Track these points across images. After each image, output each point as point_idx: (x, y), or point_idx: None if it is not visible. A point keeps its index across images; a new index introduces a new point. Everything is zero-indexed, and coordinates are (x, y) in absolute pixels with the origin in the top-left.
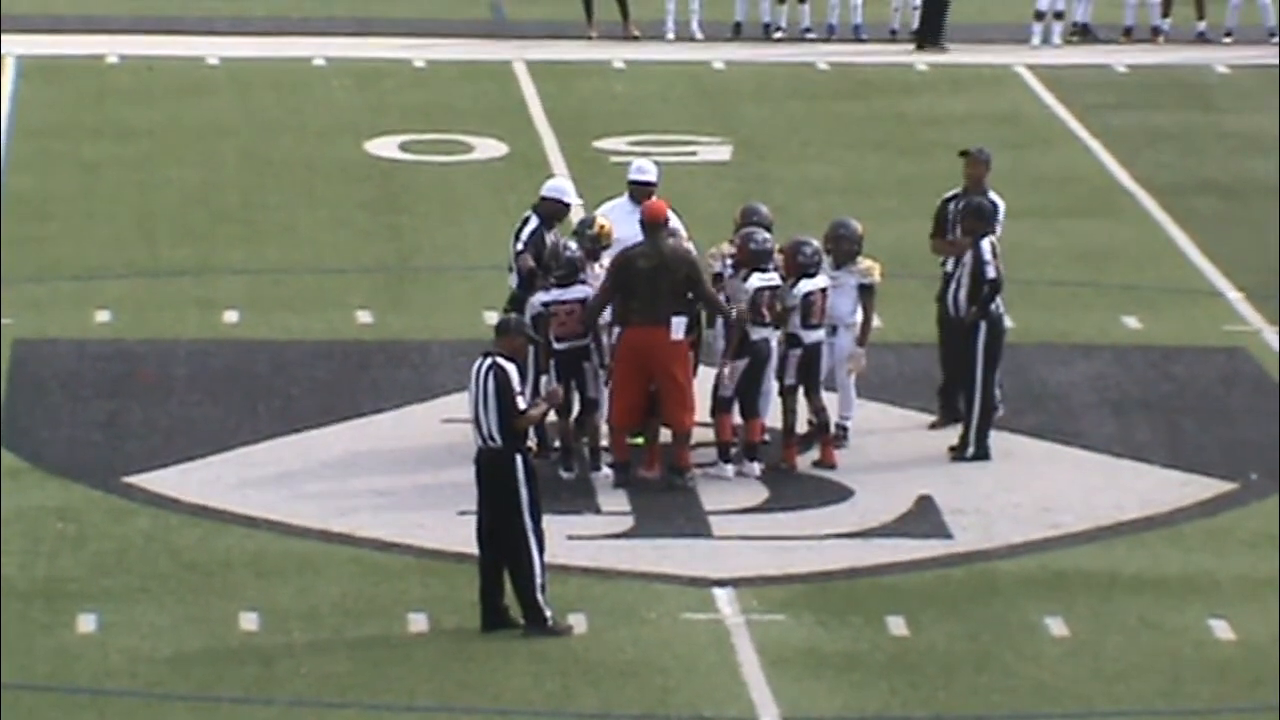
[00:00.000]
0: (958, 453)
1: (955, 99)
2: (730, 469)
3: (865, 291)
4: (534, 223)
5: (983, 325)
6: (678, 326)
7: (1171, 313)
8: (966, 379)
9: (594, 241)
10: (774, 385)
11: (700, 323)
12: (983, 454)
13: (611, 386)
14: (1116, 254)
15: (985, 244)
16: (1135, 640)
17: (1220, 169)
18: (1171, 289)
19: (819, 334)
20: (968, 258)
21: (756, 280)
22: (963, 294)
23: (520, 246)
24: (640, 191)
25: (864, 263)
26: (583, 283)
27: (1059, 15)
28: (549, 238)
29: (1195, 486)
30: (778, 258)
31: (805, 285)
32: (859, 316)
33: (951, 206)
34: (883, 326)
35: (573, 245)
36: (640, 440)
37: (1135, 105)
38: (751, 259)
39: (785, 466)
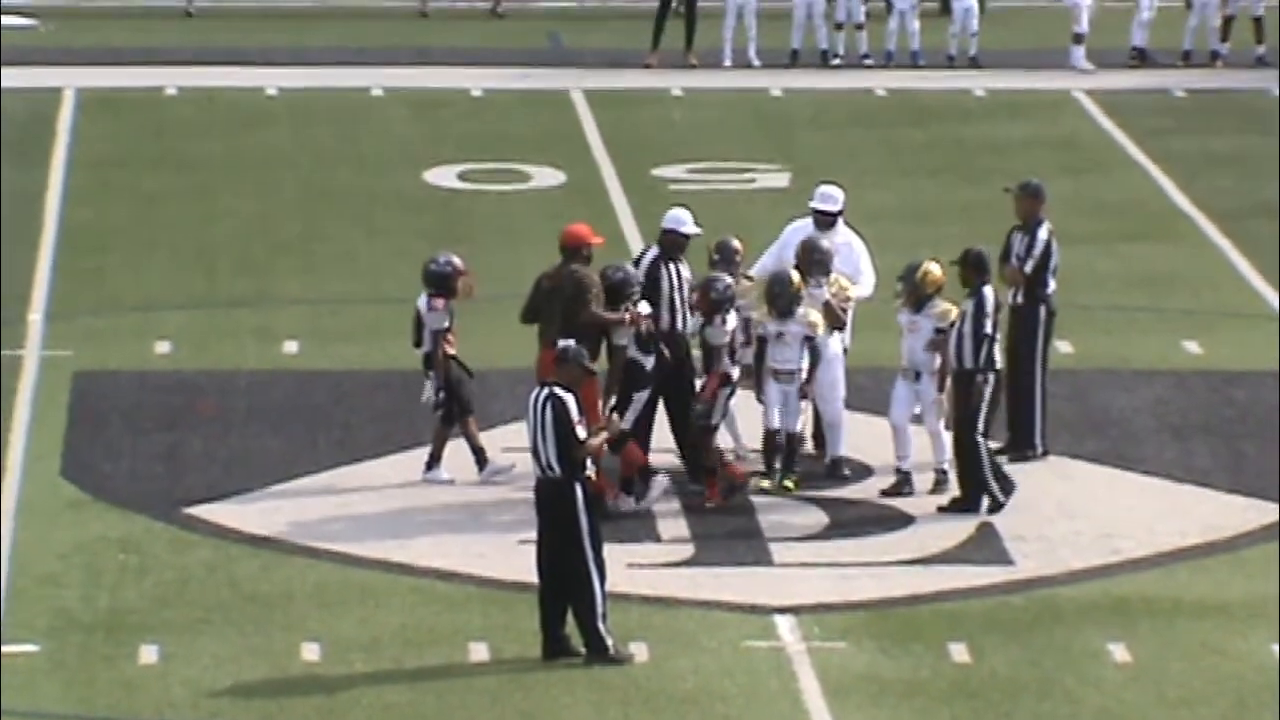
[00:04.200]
0: (993, 507)
1: (1014, 125)
2: (764, 483)
3: (941, 335)
4: (652, 253)
5: (991, 378)
6: None
7: (1231, 337)
8: (968, 429)
9: (738, 267)
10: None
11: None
12: (972, 507)
13: None
14: (1176, 278)
15: (989, 294)
16: (1198, 666)
17: (1278, 192)
18: (1231, 313)
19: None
20: (970, 309)
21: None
22: (966, 345)
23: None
24: (824, 220)
25: (940, 305)
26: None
27: (1078, 39)
28: (682, 270)
29: (1257, 511)
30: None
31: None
32: (939, 361)
33: (1014, 237)
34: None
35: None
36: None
37: (1194, 129)
38: (711, 308)
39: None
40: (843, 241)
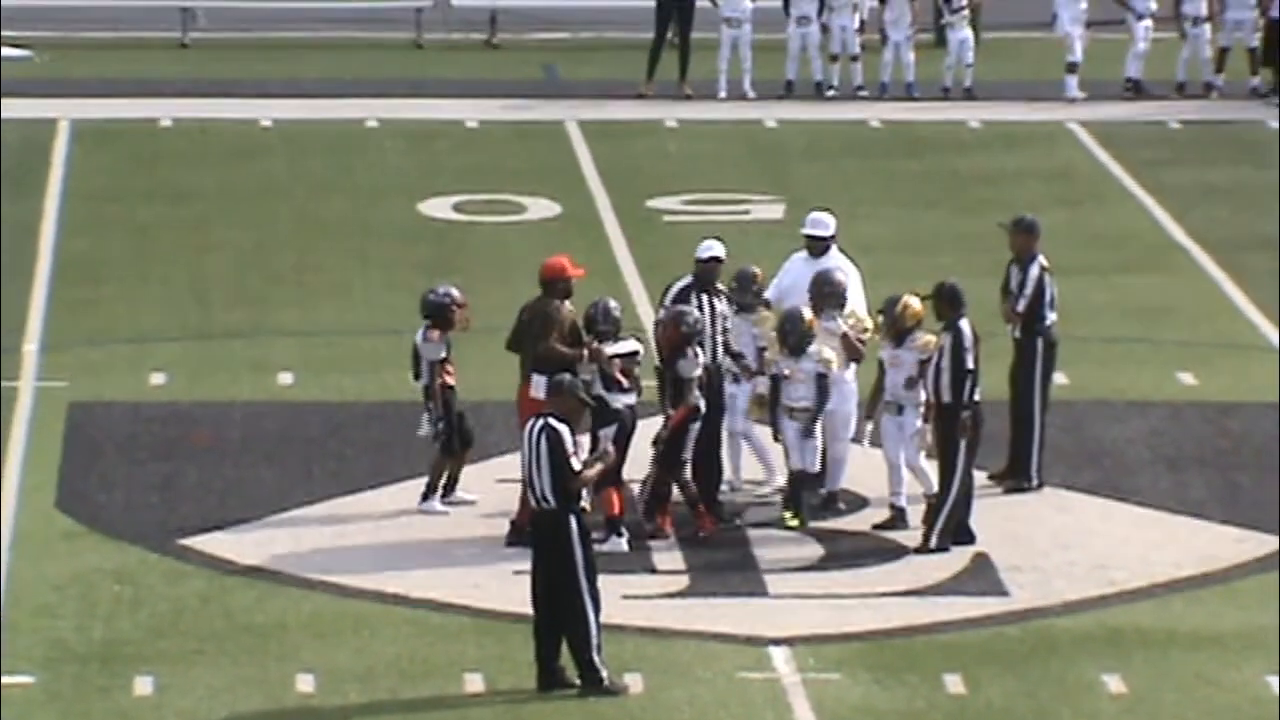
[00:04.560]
0: (922, 546)
1: (1009, 156)
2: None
3: (923, 367)
4: (683, 282)
5: (971, 412)
6: (537, 385)
7: (1226, 368)
8: (948, 467)
9: (756, 296)
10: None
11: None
12: (965, 538)
13: None
14: (1171, 310)
15: (965, 328)
16: (1192, 697)
17: (1274, 224)
18: (1226, 344)
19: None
20: (947, 343)
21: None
22: (944, 380)
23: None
24: (816, 245)
25: (922, 338)
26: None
27: (1072, 68)
28: (717, 304)
29: (1252, 543)
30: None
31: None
32: (923, 394)
33: (1011, 270)
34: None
35: (613, 304)
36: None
37: (1189, 161)
38: (681, 341)
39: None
40: (835, 268)
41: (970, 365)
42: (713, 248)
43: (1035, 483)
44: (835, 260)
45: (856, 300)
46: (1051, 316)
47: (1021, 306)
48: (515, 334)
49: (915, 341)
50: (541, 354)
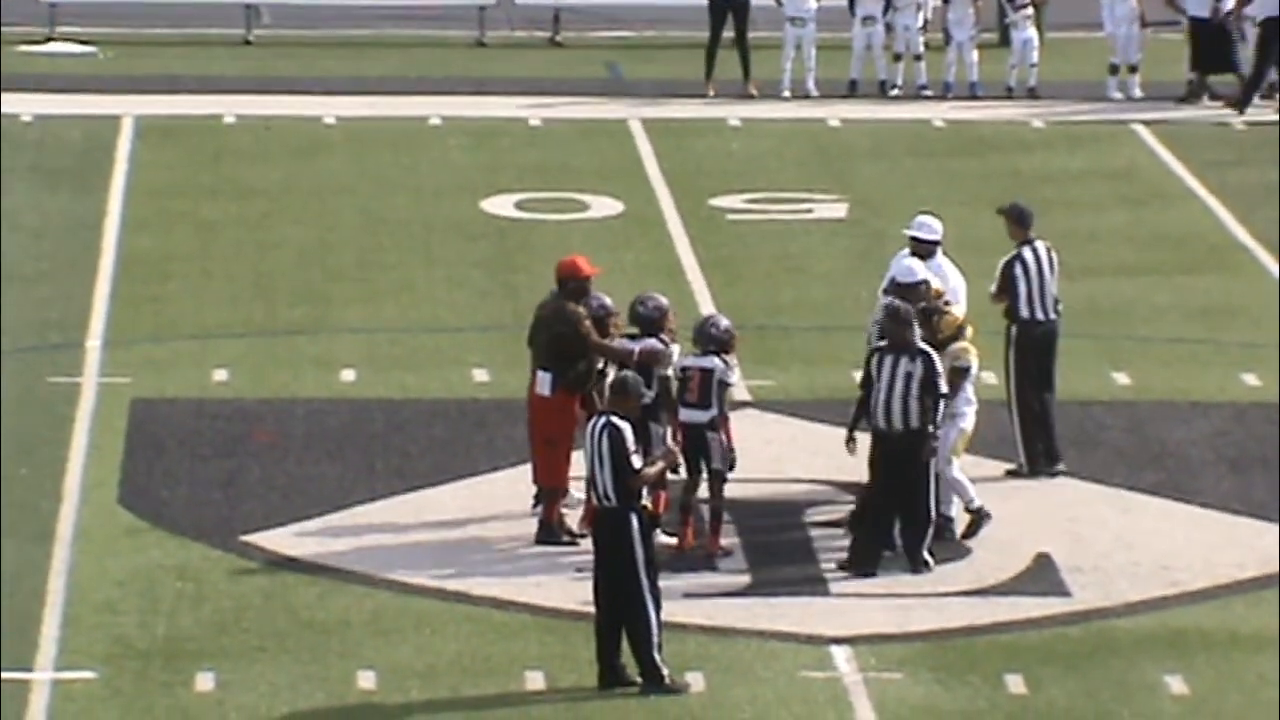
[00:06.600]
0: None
1: (1071, 156)
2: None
3: (955, 374)
4: (902, 256)
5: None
6: (543, 381)
7: None
8: (917, 490)
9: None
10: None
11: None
12: (925, 565)
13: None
14: (1234, 311)
15: (933, 353)
16: (1255, 698)
17: None
18: None
19: (697, 414)
20: (915, 368)
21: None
22: (913, 406)
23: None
24: (923, 249)
25: (958, 345)
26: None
27: (1133, 69)
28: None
29: None
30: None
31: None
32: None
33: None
34: (997, 383)
35: (659, 299)
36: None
37: (1253, 161)
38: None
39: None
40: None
41: (944, 390)
42: (914, 272)
43: (1025, 468)
44: (941, 266)
45: (960, 309)
46: (1024, 310)
47: (992, 288)
48: (531, 331)
49: (950, 349)
50: (596, 350)
